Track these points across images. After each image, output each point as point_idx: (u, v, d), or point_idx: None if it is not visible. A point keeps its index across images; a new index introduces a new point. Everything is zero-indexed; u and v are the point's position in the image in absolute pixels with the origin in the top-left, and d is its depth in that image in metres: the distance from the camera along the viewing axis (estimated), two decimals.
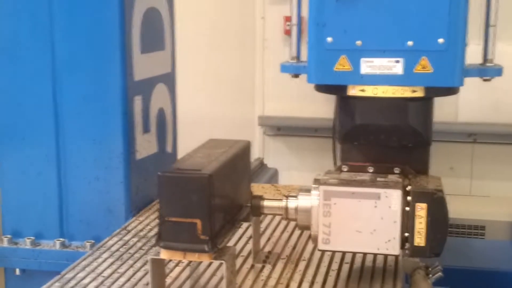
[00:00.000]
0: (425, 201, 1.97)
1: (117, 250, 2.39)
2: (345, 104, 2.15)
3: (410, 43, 2.02)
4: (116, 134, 2.64)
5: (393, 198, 1.96)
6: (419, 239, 1.97)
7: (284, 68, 2.32)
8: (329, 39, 2.06)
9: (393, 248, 1.98)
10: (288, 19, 5.00)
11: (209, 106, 5.36)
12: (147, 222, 2.68)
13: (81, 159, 2.68)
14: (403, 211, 1.97)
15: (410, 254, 2.00)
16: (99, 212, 2.69)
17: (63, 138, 2.67)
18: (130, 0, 2.62)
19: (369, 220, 1.96)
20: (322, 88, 2.17)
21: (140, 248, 2.41)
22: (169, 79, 3.03)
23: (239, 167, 2.10)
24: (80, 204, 2.71)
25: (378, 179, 2.08)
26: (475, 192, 4.98)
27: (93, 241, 2.66)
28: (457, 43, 2.02)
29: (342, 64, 2.07)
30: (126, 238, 2.51)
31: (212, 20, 5.26)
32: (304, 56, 2.26)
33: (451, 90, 2.12)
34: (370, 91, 2.08)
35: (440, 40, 2.01)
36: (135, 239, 2.50)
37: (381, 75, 2.05)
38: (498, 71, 2.19)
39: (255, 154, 5.30)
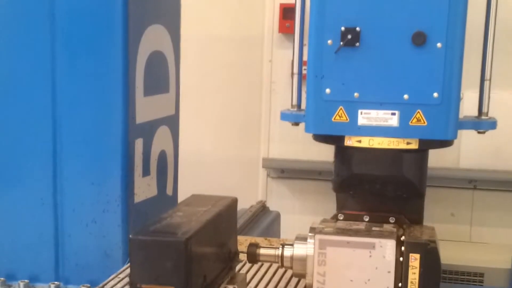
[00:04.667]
0: (419, 252, 1.99)
1: None
2: (342, 153, 2.19)
3: (406, 96, 2.07)
4: (114, 177, 2.66)
5: (387, 248, 1.98)
6: None
7: (284, 116, 2.36)
8: (328, 90, 2.12)
9: None
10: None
11: (214, 148, 5.40)
12: None
13: (78, 202, 2.68)
14: (397, 261, 2.00)
15: None
16: (96, 255, 2.69)
17: (61, 180, 2.68)
18: (135, 44, 2.67)
19: (363, 269, 1.98)
20: (320, 138, 2.22)
21: None
22: (172, 122, 3.08)
23: (223, 225, 2.03)
24: (77, 247, 2.71)
25: (373, 228, 2.11)
26: (475, 239, 4.97)
27: (88, 285, 2.65)
28: (451, 98, 2.07)
29: (340, 115, 2.12)
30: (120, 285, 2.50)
31: (219, 62, 5.33)
32: (304, 104, 2.31)
33: (445, 143, 2.16)
34: (366, 142, 2.13)
35: (435, 94, 2.06)
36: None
37: (377, 126, 2.10)
38: (492, 124, 2.24)
39: (258, 196, 5.32)
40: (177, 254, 1.68)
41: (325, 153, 5.02)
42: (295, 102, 2.39)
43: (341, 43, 2.08)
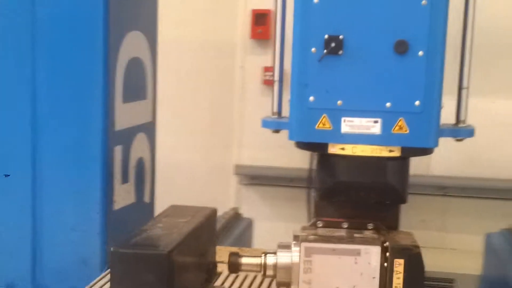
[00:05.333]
0: (403, 257, 2.02)
1: None
2: (325, 162, 2.20)
3: (388, 104, 2.09)
4: (94, 184, 2.65)
5: (372, 254, 2.00)
6: None
7: (266, 123, 2.36)
8: (311, 98, 2.12)
9: None
10: (267, 69, 5.12)
11: (186, 155, 5.38)
12: None
13: (57, 209, 2.67)
14: (381, 266, 2.02)
15: None
16: (74, 263, 2.67)
17: (40, 187, 2.67)
18: (115, 50, 2.66)
19: (349, 276, 2.00)
20: (303, 145, 2.22)
21: None
22: (149, 129, 3.07)
23: (204, 237, 2.02)
24: (55, 254, 2.69)
25: (356, 235, 2.12)
26: (446, 245, 5.04)
27: None
28: (433, 106, 2.10)
29: (323, 123, 2.13)
30: None
31: (190, 68, 5.32)
32: (285, 111, 2.31)
33: (426, 151, 2.19)
34: (350, 149, 2.14)
35: (417, 103, 2.09)
36: None
37: (360, 134, 2.12)
38: (470, 132, 2.28)
39: (230, 203, 5.32)
40: (159, 267, 1.65)
41: (297, 160, 5.08)
42: (275, 109, 2.40)
43: (325, 51, 2.09)
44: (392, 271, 2.00)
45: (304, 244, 2.01)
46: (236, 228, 4.41)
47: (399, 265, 2.00)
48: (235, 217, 4.59)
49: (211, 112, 5.46)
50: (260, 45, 5.19)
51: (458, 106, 2.31)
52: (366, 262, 1.99)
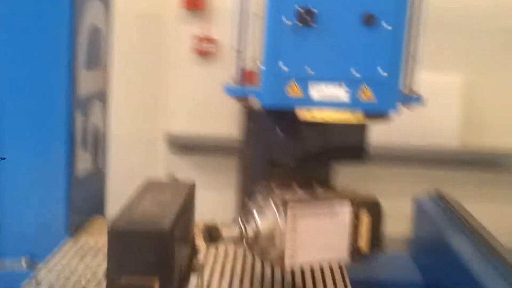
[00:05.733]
0: (367, 207, 2.24)
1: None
2: (296, 128, 2.33)
3: (356, 73, 2.24)
4: (58, 150, 2.66)
5: (346, 211, 2.17)
6: (363, 244, 2.21)
7: (230, 91, 2.45)
8: (283, 66, 2.24)
9: (345, 256, 2.21)
10: (198, 39, 5.17)
11: (117, 124, 5.37)
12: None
13: (20, 174, 2.66)
14: (352, 221, 2.20)
15: (357, 259, 2.22)
16: (36, 228, 2.69)
17: (2, 153, 2.65)
18: (79, 17, 2.66)
19: (327, 233, 2.15)
20: (273, 111, 2.34)
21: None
22: (104, 97, 3.09)
23: (188, 212, 2.02)
24: (17, 219, 2.69)
25: (324, 194, 2.27)
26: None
27: (28, 257, 2.62)
28: (396, 75, 2.27)
29: (294, 90, 2.25)
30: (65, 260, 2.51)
31: (123, 37, 5.29)
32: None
33: (386, 117, 2.36)
34: (319, 115, 2.28)
35: (382, 72, 2.25)
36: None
37: (330, 101, 2.26)
38: (421, 101, 2.45)
39: (160, 172, 5.36)
40: (161, 244, 1.63)
41: (227, 129, 5.16)
42: (237, 78, 2.49)
43: (297, 22, 2.21)
44: (359, 221, 2.19)
45: (290, 210, 2.10)
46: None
47: (365, 217, 2.18)
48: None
49: (141, 81, 5.45)
50: (193, 15, 5.22)
51: (409, 76, 2.49)
52: (340, 219, 2.15)
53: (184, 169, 5.53)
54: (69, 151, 2.68)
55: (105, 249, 1.70)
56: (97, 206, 3.09)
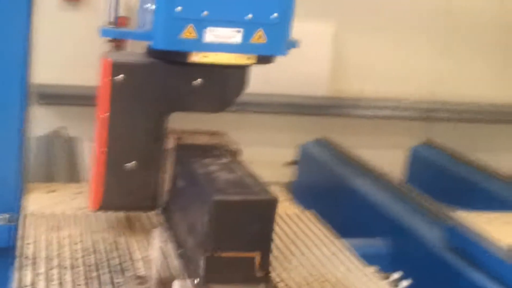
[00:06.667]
0: None
1: None
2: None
3: (250, 15, 2.27)
4: (14, 105, 2.58)
5: None
6: None
7: (107, 33, 2.39)
8: (178, 8, 2.22)
9: None
10: None
11: None
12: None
13: None
14: None
15: None
16: None
17: None
18: None
19: None
20: (165, 54, 2.31)
21: None
22: None
23: None
24: None
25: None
26: (245, 159, 5.41)
27: None
28: (287, 19, 2.32)
29: (189, 32, 2.25)
30: None
31: None
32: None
33: (271, 60, 2.39)
34: (212, 57, 2.29)
35: (275, 15, 2.29)
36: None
37: (223, 43, 2.27)
38: (297, 44, 2.48)
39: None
40: (267, 215, 1.54)
41: (90, 78, 5.05)
42: (112, 20, 2.45)
43: None
44: None
45: None
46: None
47: None
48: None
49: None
50: None
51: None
52: None
53: (52, 120, 5.36)
54: (24, 106, 2.61)
55: None
56: None
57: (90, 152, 5.04)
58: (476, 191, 3.58)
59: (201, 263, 1.49)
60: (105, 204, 2.18)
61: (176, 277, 1.62)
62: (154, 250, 1.85)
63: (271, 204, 1.54)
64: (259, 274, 1.50)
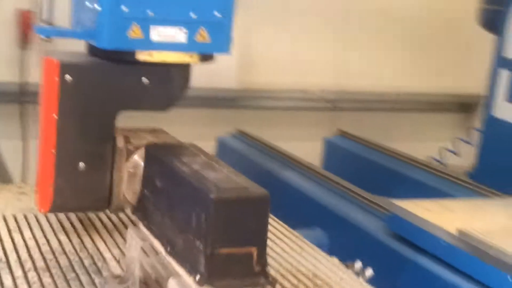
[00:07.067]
0: None
1: None
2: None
3: (193, 15, 2.30)
4: None
5: None
6: None
7: (43, 31, 2.36)
8: (124, 7, 2.23)
9: None
10: None
11: None
12: None
13: None
14: None
15: None
16: None
17: None
18: None
19: None
20: (110, 53, 2.31)
21: None
22: None
23: None
24: None
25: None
26: None
27: None
28: (229, 17, 2.37)
29: (135, 32, 2.26)
30: None
31: None
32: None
33: (212, 58, 2.44)
34: (158, 56, 2.31)
35: (217, 14, 2.34)
36: None
37: (168, 42, 2.30)
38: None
39: None
40: (263, 210, 1.58)
41: (5, 74, 4.89)
42: (49, 18, 2.43)
43: None
44: None
45: None
46: None
47: None
48: None
49: None
50: None
51: None
52: None
53: None
54: None
55: None
56: None
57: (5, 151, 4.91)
58: (395, 179, 3.76)
59: (202, 260, 1.53)
60: (56, 205, 2.15)
61: (168, 276, 1.64)
62: (132, 249, 1.86)
63: (265, 200, 1.60)
64: (257, 268, 1.55)
